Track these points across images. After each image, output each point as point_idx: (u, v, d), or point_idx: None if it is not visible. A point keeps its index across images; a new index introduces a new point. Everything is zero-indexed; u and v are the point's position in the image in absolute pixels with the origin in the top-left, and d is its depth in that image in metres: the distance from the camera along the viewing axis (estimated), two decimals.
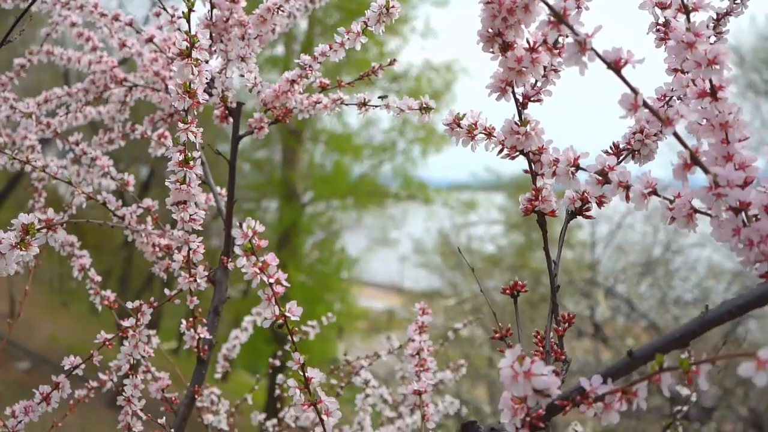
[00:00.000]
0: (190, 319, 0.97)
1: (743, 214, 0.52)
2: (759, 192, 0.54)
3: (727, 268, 6.75)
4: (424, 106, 0.87)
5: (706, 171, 0.52)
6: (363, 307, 11.12)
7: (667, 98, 0.70)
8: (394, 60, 1.02)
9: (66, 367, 0.93)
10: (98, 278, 1.11)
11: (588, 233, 7.61)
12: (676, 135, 0.52)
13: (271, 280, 0.63)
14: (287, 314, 0.64)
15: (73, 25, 1.20)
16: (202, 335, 0.98)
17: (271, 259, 0.64)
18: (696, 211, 0.55)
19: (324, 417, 0.65)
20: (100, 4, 1.11)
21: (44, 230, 0.66)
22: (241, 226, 0.62)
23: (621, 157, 0.70)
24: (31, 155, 1.10)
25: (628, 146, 0.70)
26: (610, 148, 0.70)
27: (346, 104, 0.98)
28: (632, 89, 0.51)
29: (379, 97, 0.95)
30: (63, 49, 1.27)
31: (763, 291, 0.50)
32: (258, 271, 0.63)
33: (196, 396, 1.00)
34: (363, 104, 0.96)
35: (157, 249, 1.03)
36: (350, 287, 10.74)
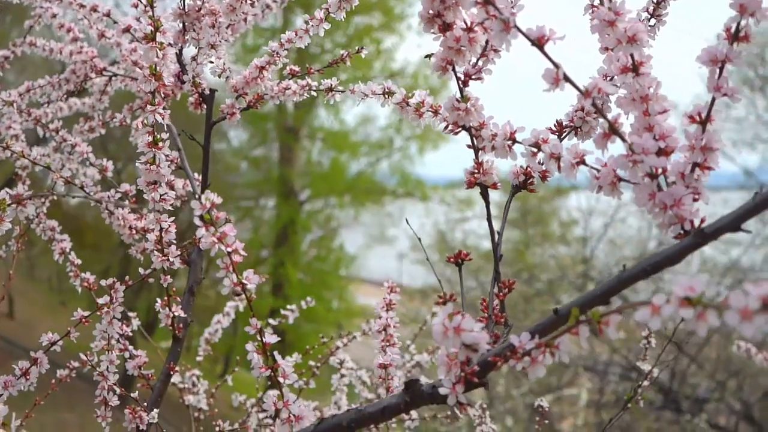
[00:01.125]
0: (165, 298, 1.01)
1: (660, 180, 0.56)
2: (676, 161, 0.58)
3: (720, 262, 6.80)
4: (387, 91, 0.91)
5: (623, 140, 0.55)
6: (361, 304, 11.16)
7: (608, 78, 0.74)
8: (362, 48, 1.06)
9: (44, 343, 0.97)
10: (78, 261, 1.15)
11: (582, 228, 7.65)
12: (594, 106, 0.55)
13: (230, 249, 0.67)
14: (244, 281, 0.68)
15: (54, 16, 1.23)
16: (176, 314, 1.02)
17: (229, 229, 0.68)
18: (620, 179, 0.59)
19: (281, 379, 0.69)
20: None
21: (14, 205, 0.70)
22: (199, 198, 0.66)
23: (564, 134, 0.74)
24: (13, 143, 1.14)
25: (571, 123, 0.74)
26: (554, 125, 0.74)
27: (315, 90, 1.02)
28: (554, 64, 0.55)
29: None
30: (45, 41, 1.31)
31: (674, 251, 0.53)
32: (216, 241, 0.67)
33: (171, 372, 1.03)
34: (330, 89, 1.00)
35: (134, 232, 1.07)
36: (348, 284, 10.78)
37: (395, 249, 11.76)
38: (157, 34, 0.75)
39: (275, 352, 0.70)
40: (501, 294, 0.67)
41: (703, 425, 5.58)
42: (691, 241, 0.52)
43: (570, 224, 8.84)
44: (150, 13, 0.76)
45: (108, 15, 1.15)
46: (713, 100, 0.56)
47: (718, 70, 0.56)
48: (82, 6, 1.16)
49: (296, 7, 7.74)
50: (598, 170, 0.60)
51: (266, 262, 10.09)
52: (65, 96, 1.24)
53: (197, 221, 0.66)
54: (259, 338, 0.69)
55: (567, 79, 0.55)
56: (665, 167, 0.55)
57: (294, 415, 0.68)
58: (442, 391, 0.59)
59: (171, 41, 0.81)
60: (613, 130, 0.56)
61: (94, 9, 1.15)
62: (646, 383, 1.15)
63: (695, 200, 0.56)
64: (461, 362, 0.57)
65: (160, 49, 0.75)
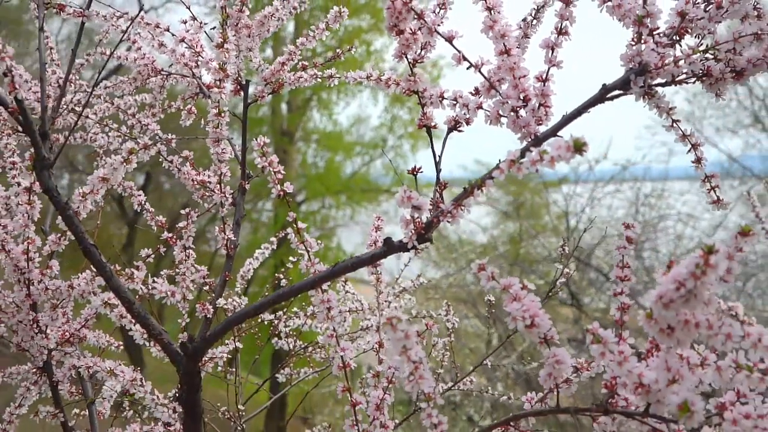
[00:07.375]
0: (221, 225, 1.45)
1: (521, 112, 1.01)
2: (533, 104, 1.02)
3: (694, 235, 7.30)
4: (369, 75, 1.35)
5: (497, 92, 1.00)
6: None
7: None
8: (353, 47, 1.50)
9: (143, 256, 1.40)
10: (152, 210, 1.59)
11: (564, 204, 8.11)
12: (480, 73, 1.00)
13: (275, 170, 1.11)
14: (285, 189, 1.12)
15: (124, 32, 1.67)
16: (229, 236, 1.46)
17: (275, 158, 1.12)
18: (500, 114, 1.03)
19: (308, 250, 1.13)
20: (146, 17, 1.59)
21: (142, 150, 1.14)
22: (256, 138, 1.10)
23: (480, 97, 1.18)
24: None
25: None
26: (473, 89, 1.18)
27: (320, 78, 1.47)
28: (458, 51, 0.99)
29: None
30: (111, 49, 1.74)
31: (525, 146, 0.97)
32: (267, 165, 1.11)
33: (227, 278, 1.47)
34: (331, 76, 1.45)
35: (195, 183, 1.51)
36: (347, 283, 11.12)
37: None
38: (225, 43, 1.19)
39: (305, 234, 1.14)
40: (440, 189, 1.11)
41: None
42: (531, 142, 0.97)
43: (561, 216, 9.30)
44: (222, 29, 1.20)
45: (168, 29, 1.59)
46: (548, 69, 1.01)
47: (550, 51, 1.00)
48: (147, 24, 1.60)
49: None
50: (489, 111, 1.04)
51: (266, 264, 10.50)
52: (135, 90, 1.68)
53: (254, 153, 1.11)
54: (294, 225, 1.13)
55: (465, 58, 0.99)
56: (522, 105, 1.00)
57: (317, 270, 1.12)
58: (404, 240, 1.03)
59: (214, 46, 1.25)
60: (491, 86, 1.00)
61: (157, 26, 1.59)
62: (563, 280, 1.59)
63: (539, 124, 1.00)
64: (414, 221, 1.02)
65: (226, 52, 1.19)
